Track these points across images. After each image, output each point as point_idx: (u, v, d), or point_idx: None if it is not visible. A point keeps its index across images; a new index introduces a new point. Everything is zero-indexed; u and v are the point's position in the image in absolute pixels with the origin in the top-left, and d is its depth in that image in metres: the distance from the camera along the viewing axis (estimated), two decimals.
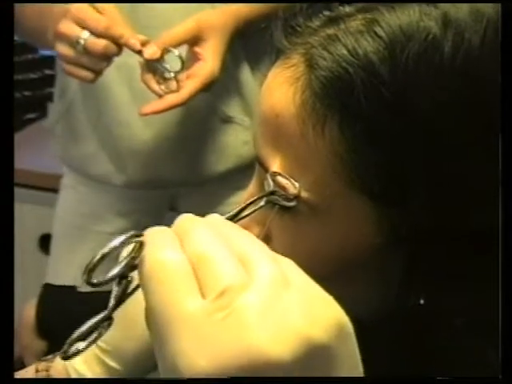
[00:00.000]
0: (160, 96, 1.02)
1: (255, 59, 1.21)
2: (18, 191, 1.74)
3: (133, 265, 0.42)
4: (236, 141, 1.22)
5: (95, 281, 0.42)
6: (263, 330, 0.35)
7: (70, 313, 1.09)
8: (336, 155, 0.50)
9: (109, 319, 0.46)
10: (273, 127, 0.53)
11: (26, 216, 1.79)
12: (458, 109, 0.49)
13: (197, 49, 1.02)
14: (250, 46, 1.19)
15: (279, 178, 0.53)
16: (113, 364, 0.66)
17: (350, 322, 0.38)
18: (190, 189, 1.26)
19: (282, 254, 0.39)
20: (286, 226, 0.54)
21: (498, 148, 0.49)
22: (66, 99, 1.26)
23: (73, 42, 0.98)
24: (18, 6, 0.90)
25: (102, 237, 1.29)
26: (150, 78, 1.02)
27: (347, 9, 0.52)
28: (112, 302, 0.45)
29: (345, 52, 0.49)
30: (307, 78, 0.51)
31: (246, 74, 1.21)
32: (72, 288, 1.29)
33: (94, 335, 0.47)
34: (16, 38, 1.29)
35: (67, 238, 1.36)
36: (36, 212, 1.80)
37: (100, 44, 0.98)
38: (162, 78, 1.01)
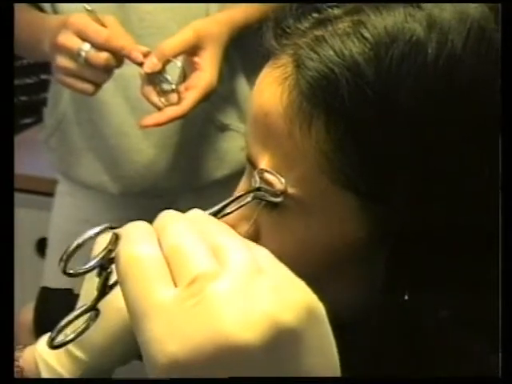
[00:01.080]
0: (159, 109, 1.01)
1: (251, 68, 1.21)
2: (14, 195, 1.75)
3: (110, 257, 0.43)
4: (233, 147, 1.23)
5: (71, 271, 0.43)
6: (232, 316, 0.36)
7: (67, 315, 1.10)
8: (322, 154, 0.52)
9: (95, 310, 0.48)
10: (262, 126, 0.54)
11: (23, 220, 1.79)
12: (441, 109, 0.50)
13: (195, 58, 1.02)
14: (245, 55, 1.20)
15: (266, 175, 0.54)
16: (79, 354, 0.65)
17: (334, 317, 0.39)
18: (188, 196, 1.26)
19: (271, 251, 0.40)
20: (274, 222, 0.56)
21: (481, 145, 0.51)
22: (58, 112, 1.26)
23: (74, 54, 0.97)
24: None
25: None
26: (150, 90, 1.01)
27: (335, 11, 0.53)
28: (94, 293, 0.47)
29: (331, 53, 0.51)
30: (294, 78, 0.52)
31: (241, 82, 1.22)
32: (69, 290, 1.30)
33: (83, 326, 0.49)
34: None
35: (63, 243, 1.36)
36: (33, 216, 1.81)
37: (102, 56, 0.96)
38: (162, 90, 1.01)
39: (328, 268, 0.56)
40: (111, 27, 0.98)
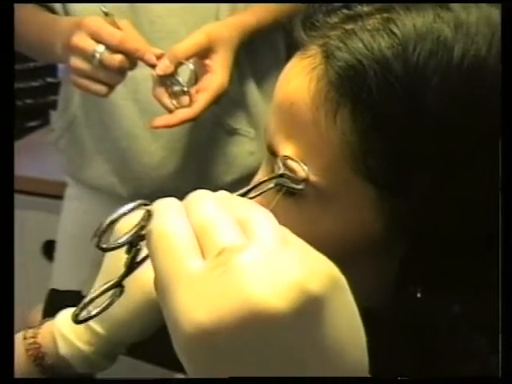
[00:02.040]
0: (171, 111, 1.01)
1: (260, 73, 1.23)
2: (20, 198, 1.76)
3: (140, 234, 0.44)
4: (242, 152, 1.23)
5: (104, 245, 0.43)
6: (259, 284, 0.36)
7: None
8: (346, 143, 0.52)
9: (120, 286, 0.48)
10: (287, 115, 0.55)
11: (29, 223, 1.80)
12: (463, 109, 0.51)
13: (206, 61, 1.02)
14: (255, 60, 1.21)
15: (289, 162, 0.55)
16: (98, 328, 0.66)
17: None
18: None
19: None
20: (292, 209, 0.56)
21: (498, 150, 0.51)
22: (68, 113, 1.27)
23: (88, 56, 0.97)
24: (16, 21, 0.86)
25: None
26: (162, 92, 1.02)
27: (365, 8, 0.54)
28: (122, 269, 0.47)
29: (361, 45, 0.52)
30: (323, 68, 0.53)
31: (251, 87, 1.22)
32: (77, 293, 1.31)
33: (107, 302, 0.49)
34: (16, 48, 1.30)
35: (71, 247, 1.37)
36: (39, 218, 1.81)
37: (116, 58, 0.97)
38: (173, 92, 1.01)
39: (342, 258, 0.56)
40: (125, 30, 0.99)
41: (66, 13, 1.15)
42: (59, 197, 1.44)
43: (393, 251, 0.55)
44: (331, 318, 0.38)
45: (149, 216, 0.43)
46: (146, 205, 0.44)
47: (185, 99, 1.01)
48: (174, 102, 1.01)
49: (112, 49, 0.97)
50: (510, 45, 0.51)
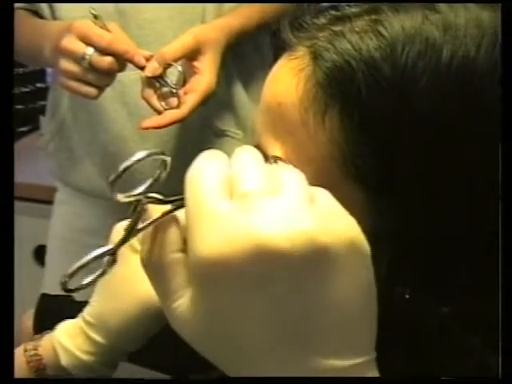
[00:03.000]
0: (159, 112, 1.02)
1: (247, 75, 1.24)
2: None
3: (154, 197, 0.45)
4: (230, 153, 1.22)
5: (119, 196, 0.45)
6: (272, 225, 0.39)
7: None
8: (334, 144, 0.53)
9: (113, 255, 0.48)
10: (275, 115, 0.55)
11: (21, 228, 1.77)
12: (452, 110, 0.51)
13: (194, 63, 1.03)
14: (241, 62, 1.22)
15: (279, 162, 0.55)
16: (96, 337, 0.66)
17: None
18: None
19: None
20: None
21: (488, 148, 0.52)
22: (57, 118, 1.27)
23: (78, 58, 0.98)
24: None
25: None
26: (150, 94, 1.02)
27: (353, 9, 0.55)
28: (122, 233, 0.47)
29: (349, 47, 0.52)
30: (311, 69, 0.53)
31: (238, 89, 1.23)
32: (69, 297, 1.30)
33: (98, 272, 0.49)
34: None
35: (62, 251, 1.37)
36: (30, 224, 1.81)
37: (106, 60, 0.98)
38: (162, 94, 1.02)
39: None
40: (114, 32, 1.00)
41: (54, 18, 1.16)
42: (50, 202, 1.44)
43: (380, 252, 0.55)
44: (341, 277, 0.41)
45: (165, 165, 0.44)
46: (162, 154, 0.44)
47: (173, 100, 1.02)
48: (163, 103, 1.02)
49: (101, 51, 0.98)
50: (510, 45, 0.51)
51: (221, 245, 0.40)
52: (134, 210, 0.46)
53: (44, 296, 1.36)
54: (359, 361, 0.42)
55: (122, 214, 1.39)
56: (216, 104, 1.17)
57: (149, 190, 0.46)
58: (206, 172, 0.43)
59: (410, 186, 0.53)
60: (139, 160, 0.44)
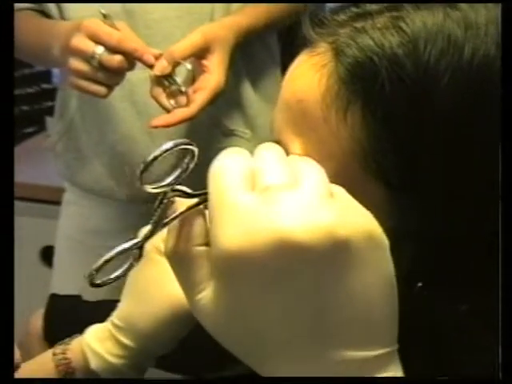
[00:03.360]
0: (169, 111, 1.02)
1: (256, 74, 1.24)
2: (17, 204, 1.75)
3: (179, 190, 0.46)
4: None
5: (147, 186, 0.45)
6: (293, 218, 0.40)
7: (76, 321, 1.10)
8: (356, 140, 0.52)
9: (139, 249, 0.48)
10: (295, 112, 0.55)
11: (27, 229, 1.79)
12: (473, 108, 0.51)
13: (203, 61, 1.03)
14: (250, 62, 1.22)
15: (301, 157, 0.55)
16: (125, 341, 0.67)
17: None
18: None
19: None
20: None
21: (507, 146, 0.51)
22: (66, 118, 1.27)
23: (87, 57, 0.98)
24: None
25: (106, 251, 1.30)
26: (160, 92, 1.02)
27: (374, 7, 0.54)
28: (149, 227, 0.48)
29: (371, 43, 0.52)
30: (333, 65, 0.53)
31: (247, 88, 1.23)
32: (78, 297, 1.31)
33: (125, 266, 0.49)
34: None
35: (70, 252, 1.37)
36: (36, 224, 1.81)
37: (115, 59, 0.98)
38: (171, 92, 1.02)
39: None
40: (123, 31, 1.00)
41: (62, 18, 1.16)
42: (56, 202, 1.44)
43: (401, 250, 0.55)
44: (361, 269, 0.42)
45: (192, 156, 0.44)
46: (189, 144, 0.45)
47: (182, 99, 1.01)
48: (172, 101, 1.02)
49: (111, 49, 0.98)
50: (510, 45, 0.51)
51: (242, 238, 0.41)
52: (161, 203, 0.47)
53: (53, 296, 1.36)
54: (382, 352, 0.43)
55: (130, 214, 1.39)
56: (224, 103, 1.17)
57: (177, 180, 0.46)
58: (229, 166, 0.44)
59: (432, 183, 0.53)
60: (167, 150, 0.45)
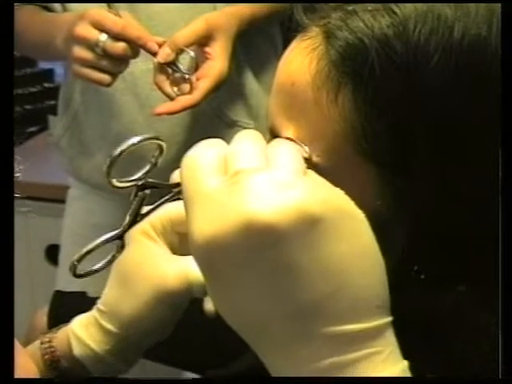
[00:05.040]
0: (172, 98, 1.02)
1: (258, 65, 1.24)
2: (22, 203, 1.76)
3: (153, 182, 0.47)
4: None
5: (114, 181, 0.47)
6: (262, 200, 0.41)
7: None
8: (347, 122, 0.52)
9: (120, 239, 0.48)
10: (288, 96, 0.55)
11: (32, 227, 1.80)
12: (464, 87, 0.51)
13: (206, 49, 1.03)
14: (251, 52, 1.22)
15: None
16: (108, 326, 0.66)
17: None
18: None
19: None
20: None
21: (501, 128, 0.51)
22: (70, 112, 1.27)
23: (92, 45, 0.98)
24: (17, 23, 0.86)
25: (111, 246, 1.30)
26: (163, 80, 1.03)
27: None
28: (127, 219, 0.48)
29: (361, 25, 0.52)
30: (323, 48, 0.53)
31: (249, 79, 1.23)
32: (82, 293, 1.30)
33: (109, 257, 0.49)
34: (15, 53, 1.30)
35: (76, 247, 1.36)
36: (41, 223, 1.81)
37: (120, 46, 0.99)
38: (174, 80, 1.02)
39: None
40: (126, 19, 1.01)
41: (66, 11, 1.16)
42: (60, 201, 1.44)
43: (395, 233, 0.54)
44: (336, 244, 0.42)
45: (161, 151, 0.45)
46: (156, 138, 0.45)
47: (185, 86, 1.02)
48: (175, 89, 1.02)
49: (115, 37, 0.98)
50: (510, 45, 0.51)
51: (212, 224, 0.42)
52: (136, 196, 0.47)
53: (58, 293, 1.36)
54: (372, 324, 0.43)
55: None
56: (227, 94, 1.17)
57: (146, 175, 0.46)
58: (200, 155, 0.45)
59: (424, 164, 0.52)
60: (134, 144, 0.46)
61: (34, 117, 2.03)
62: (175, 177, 0.49)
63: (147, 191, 0.47)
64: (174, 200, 0.49)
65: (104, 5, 1.01)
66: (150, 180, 0.48)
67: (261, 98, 1.24)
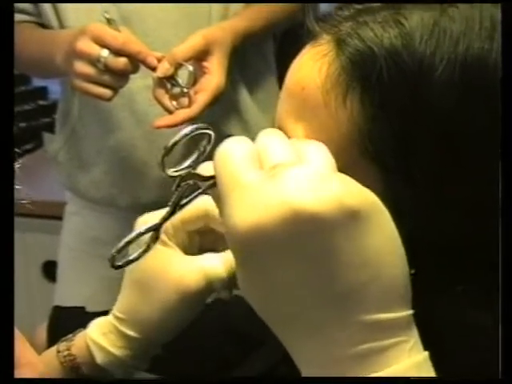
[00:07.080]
0: (171, 112, 1.04)
1: (252, 81, 1.26)
2: (18, 220, 1.76)
3: (194, 173, 0.48)
4: None
5: (168, 171, 0.47)
6: (302, 191, 0.43)
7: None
8: (355, 125, 0.54)
9: (156, 231, 0.50)
10: (298, 99, 0.57)
11: (29, 244, 1.81)
12: (467, 97, 0.53)
13: (204, 63, 1.05)
14: (246, 68, 1.24)
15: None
16: (130, 332, 0.67)
17: None
18: None
19: None
20: None
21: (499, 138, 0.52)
22: (67, 126, 1.28)
23: (93, 60, 1.00)
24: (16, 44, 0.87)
25: (107, 260, 1.30)
26: (162, 94, 1.04)
27: (377, 5, 0.57)
28: (167, 209, 0.49)
29: (371, 34, 0.54)
30: (334, 54, 0.55)
31: (243, 95, 1.25)
32: (81, 309, 1.30)
33: (144, 247, 0.50)
34: None
35: (73, 262, 1.37)
36: (38, 240, 1.82)
37: (121, 61, 1.00)
38: (173, 94, 1.04)
39: None
40: (126, 34, 1.02)
41: (62, 26, 1.17)
42: (57, 217, 1.44)
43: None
44: (371, 235, 0.44)
45: (209, 139, 0.46)
46: (206, 129, 0.46)
47: (184, 100, 1.03)
48: (174, 103, 1.04)
49: (115, 52, 1.00)
50: (510, 45, 0.52)
51: (254, 214, 0.43)
52: (178, 186, 0.48)
53: (56, 308, 1.36)
54: (402, 314, 0.45)
55: (131, 223, 1.38)
56: (222, 109, 1.19)
57: (196, 163, 0.48)
58: (235, 149, 0.47)
59: (427, 168, 0.54)
60: (187, 135, 0.47)
61: (29, 134, 2.02)
62: (205, 170, 0.50)
63: (191, 182, 0.49)
64: (207, 193, 0.50)
65: (104, 20, 1.02)
66: (196, 171, 0.49)
67: (255, 113, 1.25)
